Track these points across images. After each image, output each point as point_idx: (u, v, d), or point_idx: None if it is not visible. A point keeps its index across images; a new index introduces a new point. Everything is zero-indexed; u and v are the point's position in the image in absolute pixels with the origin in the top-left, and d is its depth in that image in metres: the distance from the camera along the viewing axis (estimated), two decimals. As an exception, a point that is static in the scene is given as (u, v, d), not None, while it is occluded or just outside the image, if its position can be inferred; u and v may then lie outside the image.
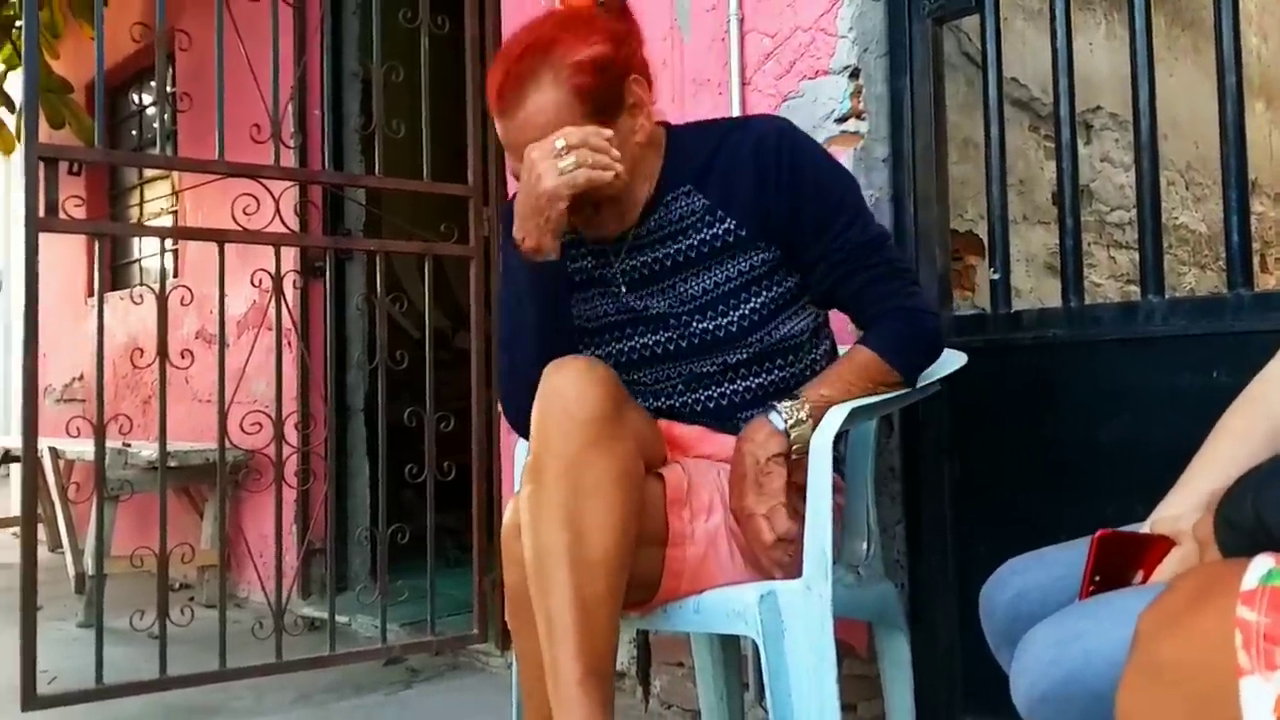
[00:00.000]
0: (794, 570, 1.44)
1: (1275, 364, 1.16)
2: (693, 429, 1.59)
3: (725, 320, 1.52)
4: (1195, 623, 0.67)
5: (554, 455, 1.34)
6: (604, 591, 1.33)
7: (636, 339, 1.58)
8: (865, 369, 1.50)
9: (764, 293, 1.53)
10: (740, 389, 1.56)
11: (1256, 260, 2.92)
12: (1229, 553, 0.84)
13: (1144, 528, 1.08)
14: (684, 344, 1.55)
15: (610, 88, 1.44)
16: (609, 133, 1.41)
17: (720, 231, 1.52)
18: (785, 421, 1.44)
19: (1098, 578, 0.99)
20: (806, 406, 1.45)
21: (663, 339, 1.56)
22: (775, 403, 1.46)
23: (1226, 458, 1.10)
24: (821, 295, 1.57)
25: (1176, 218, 2.94)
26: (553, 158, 1.38)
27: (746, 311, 1.53)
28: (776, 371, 1.56)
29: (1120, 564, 1.00)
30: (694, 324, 1.53)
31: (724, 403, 1.57)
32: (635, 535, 1.37)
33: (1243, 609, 0.63)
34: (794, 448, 1.44)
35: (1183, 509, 1.08)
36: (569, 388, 1.36)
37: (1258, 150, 3.24)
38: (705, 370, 1.56)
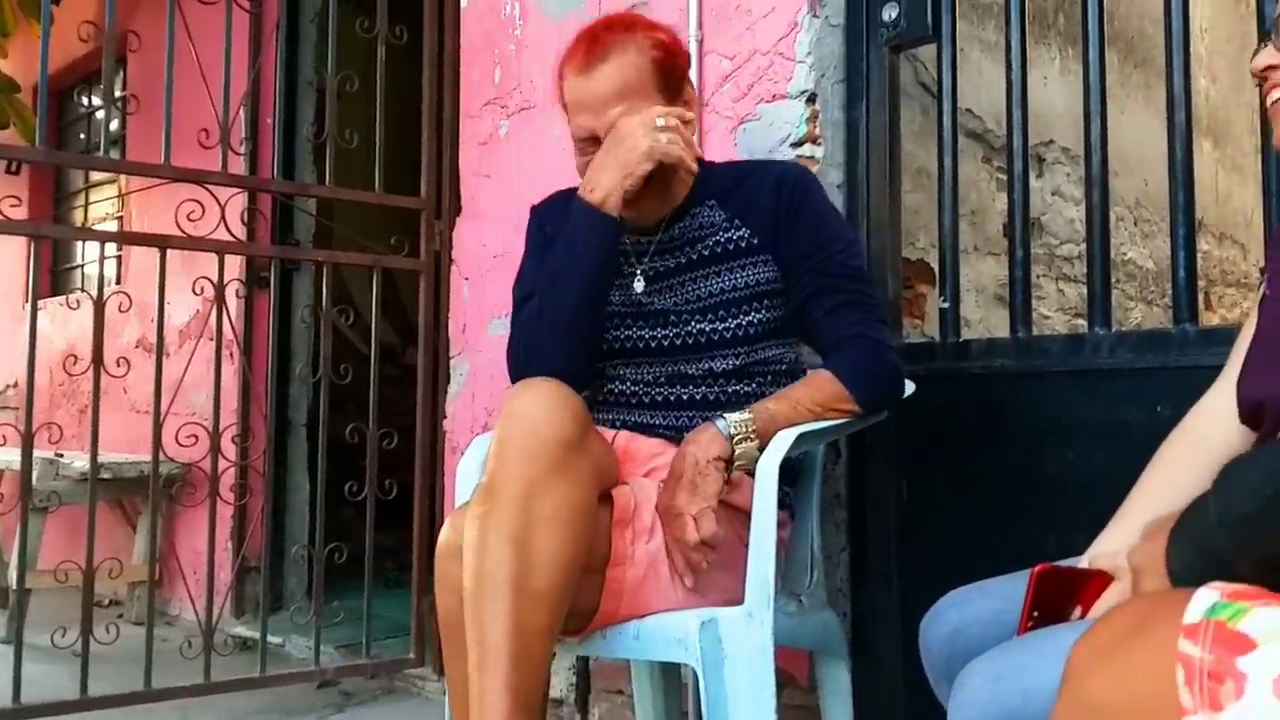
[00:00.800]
0: (710, 580, 1.44)
1: (1209, 398, 1.17)
2: (652, 442, 1.59)
3: (722, 326, 1.59)
4: (1128, 658, 0.64)
5: (512, 477, 1.31)
6: (544, 625, 1.29)
7: (634, 330, 1.62)
8: (819, 391, 1.52)
9: (763, 311, 1.60)
10: (715, 392, 1.60)
11: (1201, 297, 2.96)
12: (1178, 577, 0.82)
13: (1082, 562, 1.08)
14: (678, 341, 1.60)
15: (679, 71, 1.60)
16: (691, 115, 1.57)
17: (734, 237, 1.61)
18: (730, 429, 1.44)
19: (1036, 613, 0.98)
20: (752, 418, 1.46)
21: (659, 334, 1.61)
22: (724, 413, 1.46)
23: (1163, 491, 1.11)
24: (795, 311, 1.60)
25: (1125, 253, 2.97)
26: (652, 128, 1.50)
27: (744, 323, 1.59)
28: (754, 386, 1.60)
29: (1059, 599, 0.99)
30: (693, 324, 1.60)
31: (697, 397, 1.59)
32: (580, 573, 1.34)
33: (1185, 643, 0.60)
34: (736, 458, 1.43)
35: (1120, 544, 1.07)
36: (535, 409, 1.34)
37: (1205, 190, 3.30)
38: (688, 371, 1.60)
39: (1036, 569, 0.99)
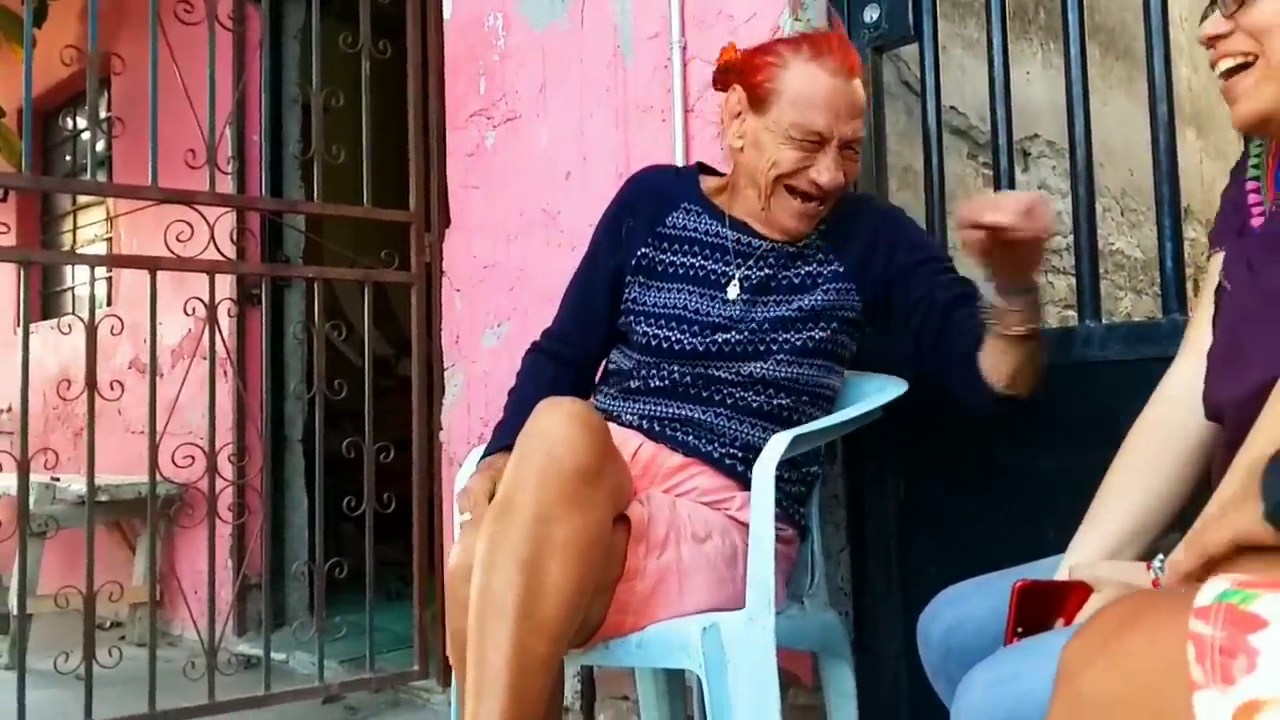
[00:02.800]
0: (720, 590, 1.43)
1: (1168, 383, 1.16)
2: (676, 458, 1.57)
3: (790, 336, 1.58)
4: (1125, 648, 0.65)
5: (527, 500, 1.29)
6: (546, 654, 1.28)
7: (701, 337, 1.59)
8: None
9: (826, 330, 1.59)
10: (745, 401, 1.58)
11: (1190, 285, 2.97)
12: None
13: (1061, 572, 1.08)
14: (737, 348, 1.57)
15: None
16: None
17: (826, 270, 1.61)
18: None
19: (1020, 629, 0.99)
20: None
21: (720, 339, 1.58)
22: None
23: (1130, 491, 1.11)
24: (927, 307, 1.54)
25: (1112, 244, 2.99)
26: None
27: (808, 335, 1.58)
28: (783, 399, 1.59)
29: (1041, 613, 1.01)
30: (757, 332, 1.58)
31: (724, 411, 1.57)
32: (587, 603, 1.33)
33: (1196, 623, 0.61)
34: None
35: (1089, 551, 1.08)
36: (557, 430, 1.32)
37: (1190, 178, 3.32)
38: (724, 377, 1.58)
39: (1016, 585, 1.00)
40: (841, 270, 1.61)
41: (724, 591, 1.48)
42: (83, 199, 4.75)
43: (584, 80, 2.34)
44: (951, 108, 2.31)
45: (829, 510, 1.90)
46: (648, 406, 1.61)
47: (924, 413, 1.76)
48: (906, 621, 1.80)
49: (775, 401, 1.59)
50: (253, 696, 2.43)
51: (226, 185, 2.63)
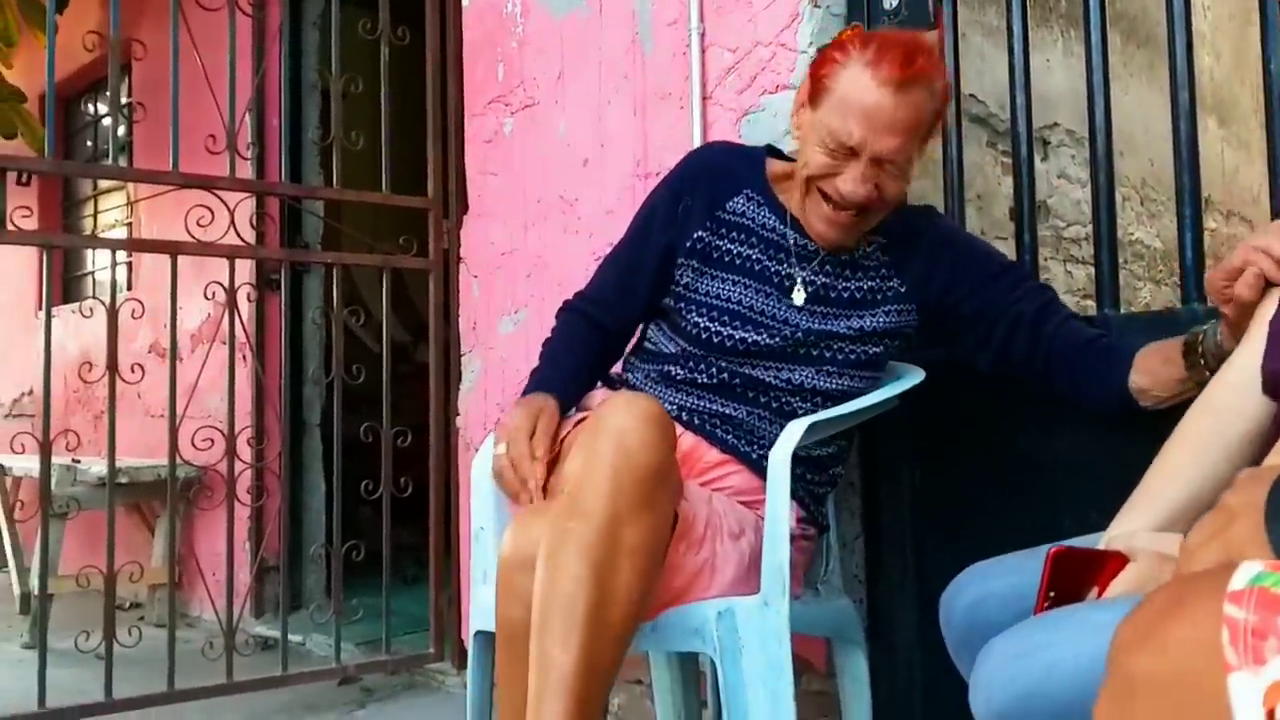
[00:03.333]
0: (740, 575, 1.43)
1: (1229, 369, 1.16)
2: (714, 453, 1.56)
3: (844, 349, 1.57)
4: (1169, 633, 0.66)
5: (602, 498, 1.26)
6: (612, 662, 1.27)
7: (756, 335, 1.57)
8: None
9: (879, 348, 1.59)
10: (786, 406, 1.57)
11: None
12: None
13: (1100, 543, 1.08)
14: (786, 350, 1.56)
15: (940, 121, 1.56)
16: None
17: (884, 287, 1.59)
18: None
19: (1052, 594, 0.99)
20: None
21: (775, 343, 1.56)
22: None
23: (1186, 470, 1.10)
24: (1018, 338, 1.54)
25: (1132, 233, 2.97)
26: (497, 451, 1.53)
27: (862, 350, 1.58)
28: (824, 406, 1.58)
29: (1074, 580, 1.00)
30: (814, 342, 1.56)
31: (774, 405, 1.57)
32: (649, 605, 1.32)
33: (1230, 607, 0.63)
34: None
35: (1137, 525, 1.07)
36: (631, 428, 1.29)
37: (1210, 167, 3.29)
38: (768, 381, 1.57)
39: (1051, 550, 0.99)
40: (904, 290, 1.59)
41: (749, 587, 1.48)
42: (104, 184, 4.78)
43: (602, 67, 2.34)
44: (971, 95, 2.29)
45: (844, 498, 1.90)
46: (691, 399, 1.59)
47: (940, 401, 1.76)
48: (921, 609, 1.81)
49: (818, 409, 1.57)
50: (270, 677, 2.46)
51: (246, 171, 2.64)
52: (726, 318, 1.58)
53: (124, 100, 3.95)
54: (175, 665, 2.31)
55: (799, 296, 1.57)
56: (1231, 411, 1.12)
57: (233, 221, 2.43)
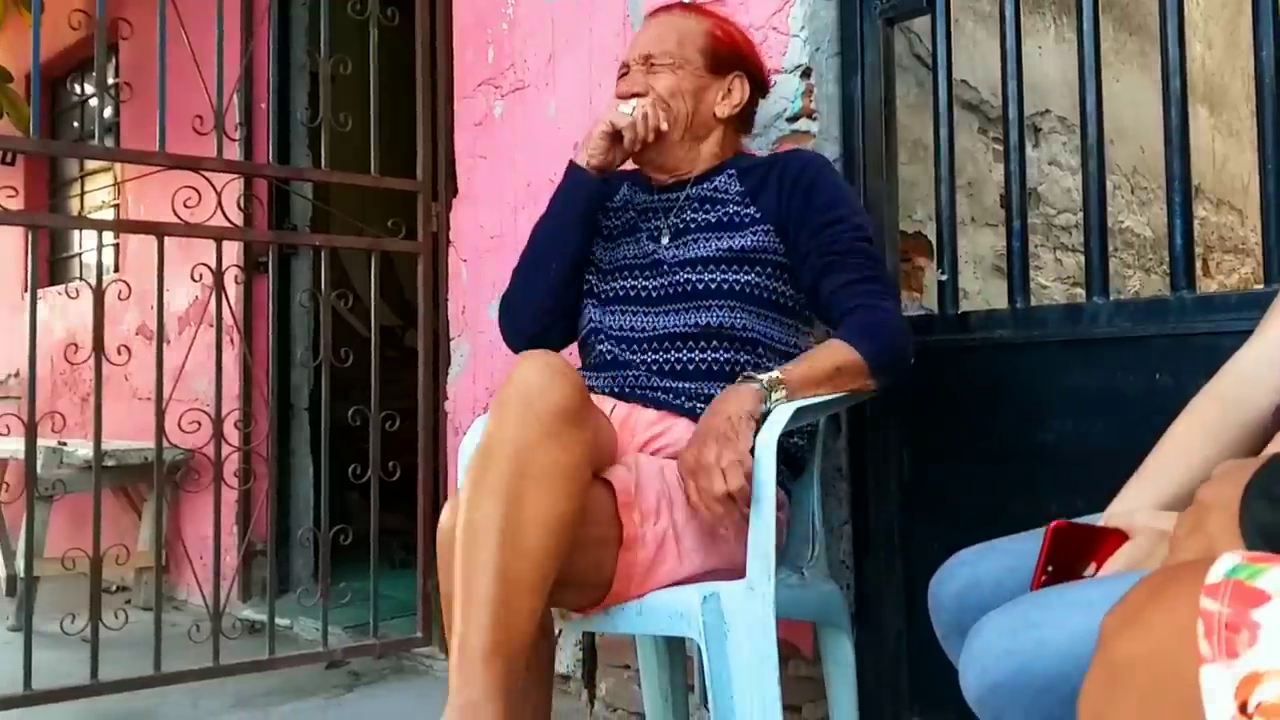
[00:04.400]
0: (735, 533, 1.45)
1: (1238, 361, 1.16)
2: (650, 412, 1.61)
3: (709, 277, 1.65)
4: (1151, 618, 0.67)
5: (506, 440, 1.33)
6: (530, 581, 1.30)
7: (631, 280, 1.72)
8: (835, 354, 1.53)
9: (753, 274, 1.66)
10: (708, 358, 1.63)
11: (1199, 264, 2.96)
12: (1256, 541, 0.81)
13: (1100, 520, 1.08)
14: (669, 290, 1.67)
15: (727, 60, 1.78)
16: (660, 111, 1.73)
17: (741, 212, 1.69)
18: (765, 385, 1.46)
19: (1050, 568, 0.99)
20: (780, 377, 1.48)
21: (652, 284, 1.70)
22: (750, 373, 1.49)
23: (1189, 451, 1.10)
24: (808, 286, 1.65)
25: (1122, 221, 2.97)
26: (615, 110, 1.73)
27: (732, 279, 1.65)
28: (744, 355, 1.64)
29: (1073, 556, 1.00)
30: (681, 274, 1.67)
31: (689, 367, 1.63)
32: (570, 537, 1.34)
33: (1206, 600, 0.63)
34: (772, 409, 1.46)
35: (1139, 503, 1.07)
36: (535, 378, 1.36)
37: (1201, 156, 3.30)
38: (679, 330, 1.64)
39: (1052, 525, 1.00)
40: (759, 215, 1.68)
41: (720, 550, 1.50)
42: (90, 165, 4.75)
43: (593, 50, 2.33)
44: (963, 81, 2.29)
45: (831, 483, 1.91)
46: (618, 372, 1.68)
47: (930, 388, 1.76)
48: (907, 595, 1.81)
49: (738, 353, 1.64)
50: (257, 661, 2.45)
51: (234, 152, 2.63)
52: (614, 274, 1.75)
53: (110, 80, 3.92)
54: (162, 648, 2.31)
55: (665, 238, 1.73)
56: (1238, 400, 1.12)
57: (220, 203, 2.41)
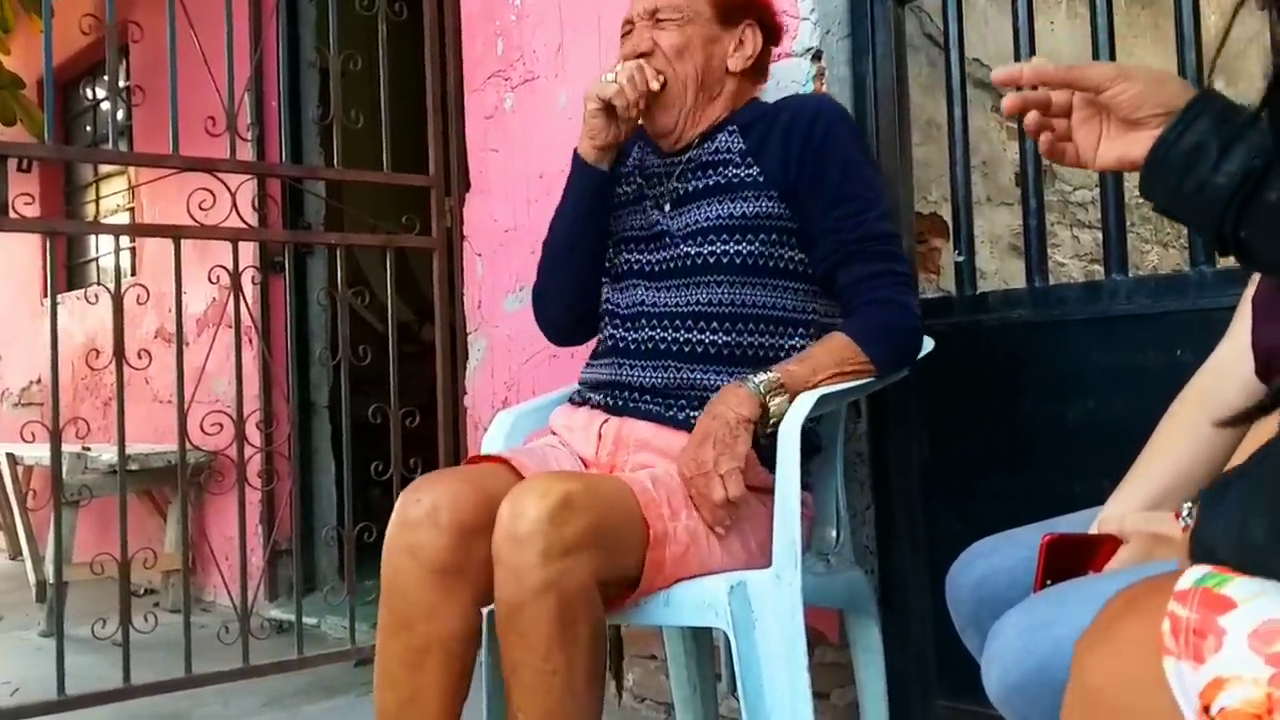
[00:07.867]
0: (754, 524, 1.46)
1: (1216, 357, 1.16)
2: (641, 425, 1.59)
3: (708, 250, 1.59)
4: (1121, 631, 0.68)
5: (409, 604, 1.50)
6: None
7: (645, 254, 1.68)
8: (837, 351, 1.51)
9: (755, 244, 1.59)
10: (707, 340, 1.58)
11: (1219, 238, 2.92)
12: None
13: (1094, 524, 1.08)
14: (671, 265, 1.63)
15: (738, 7, 1.68)
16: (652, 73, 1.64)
17: (743, 175, 1.62)
18: (761, 387, 1.44)
19: (1048, 581, 0.99)
20: (779, 376, 1.46)
21: (654, 258, 1.66)
22: (749, 374, 1.47)
23: (1173, 450, 1.11)
24: (823, 274, 1.60)
25: (1138, 196, 2.94)
26: (599, 81, 1.64)
27: (732, 250, 1.59)
28: (748, 336, 1.58)
29: (1069, 566, 1.01)
30: (683, 247, 1.62)
31: (687, 349, 1.58)
32: (464, 700, 1.49)
33: (1174, 604, 0.65)
34: (771, 414, 1.44)
35: (1129, 505, 1.08)
36: (420, 527, 1.48)
37: (1218, 128, 3.24)
38: (681, 310, 1.60)
39: (1044, 539, 1.00)
40: (762, 179, 1.61)
41: (748, 548, 1.50)
42: (105, 169, 4.77)
43: (602, 39, 2.32)
44: (975, 60, 2.27)
45: (854, 469, 1.90)
46: (614, 375, 1.65)
47: (949, 370, 1.75)
48: (933, 579, 1.80)
49: (741, 334, 1.59)
50: (286, 660, 2.47)
51: (247, 152, 2.63)
52: (621, 247, 1.72)
53: (122, 84, 3.93)
54: (192, 650, 2.32)
55: (667, 205, 1.68)
56: (1215, 398, 1.12)
57: (234, 204, 2.42)
